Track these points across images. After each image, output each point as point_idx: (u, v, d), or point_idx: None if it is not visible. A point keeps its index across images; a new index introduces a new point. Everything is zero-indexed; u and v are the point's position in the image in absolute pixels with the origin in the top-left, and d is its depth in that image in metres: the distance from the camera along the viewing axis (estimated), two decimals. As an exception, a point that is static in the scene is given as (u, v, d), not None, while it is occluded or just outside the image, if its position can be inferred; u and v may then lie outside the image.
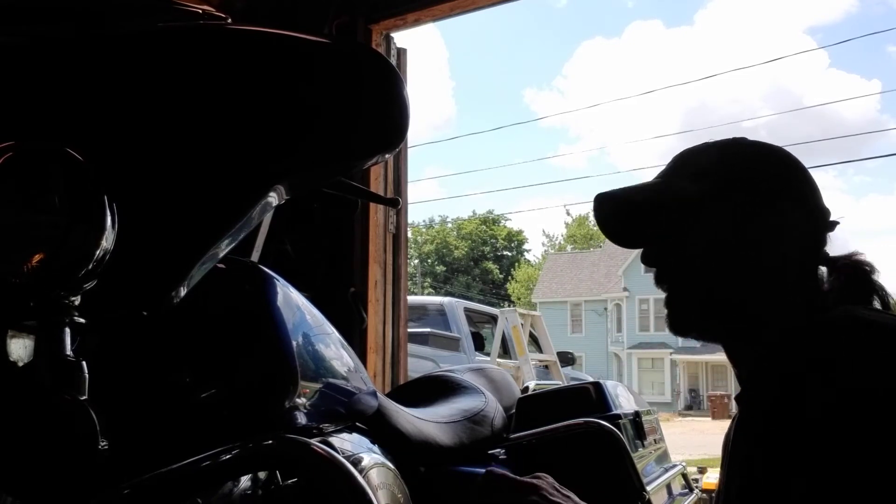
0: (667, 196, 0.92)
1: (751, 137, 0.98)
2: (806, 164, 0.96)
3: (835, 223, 0.92)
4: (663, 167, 0.98)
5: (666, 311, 0.93)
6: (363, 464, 1.08)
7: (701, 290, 0.89)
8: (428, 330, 6.71)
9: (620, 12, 66.27)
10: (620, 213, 0.95)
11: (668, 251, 0.92)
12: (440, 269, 40.78)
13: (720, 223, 0.88)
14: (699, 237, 0.89)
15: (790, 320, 0.86)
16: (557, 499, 0.95)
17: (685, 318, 0.92)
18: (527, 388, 2.37)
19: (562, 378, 7.46)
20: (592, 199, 0.96)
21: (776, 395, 0.79)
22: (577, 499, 0.97)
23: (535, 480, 0.98)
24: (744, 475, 0.83)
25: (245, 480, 0.87)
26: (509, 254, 43.44)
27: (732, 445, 0.90)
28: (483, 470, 1.01)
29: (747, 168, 0.91)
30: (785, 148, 0.96)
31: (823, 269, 0.91)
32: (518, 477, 0.99)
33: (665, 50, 60.77)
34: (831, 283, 0.90)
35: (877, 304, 0.88)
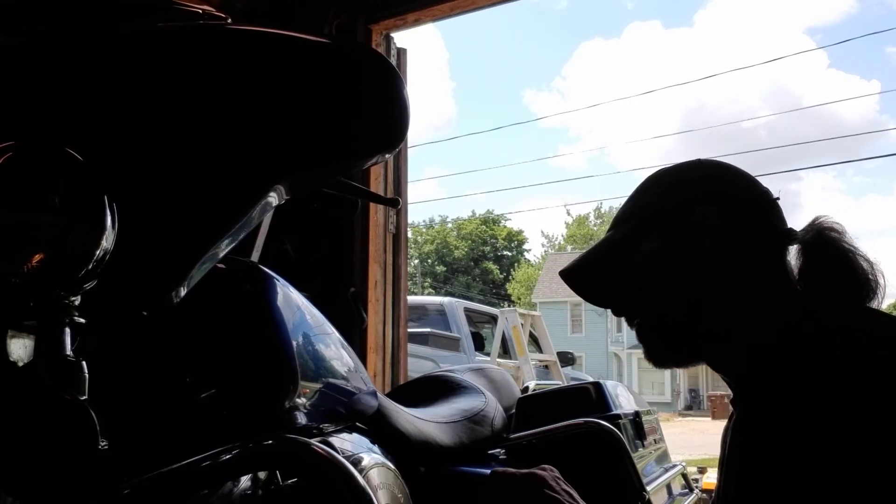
0: (600, 253, 0.99)
1: (717, 157, 1.05)
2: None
3: (775, 200, 0.93)
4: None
5: (643, 346, 0.97)
6: (363, 464, 1.08)
7: (660, 316, 0.93)
8: (428, 330, 6.71)
9: (620, 13, 66.33)
10: (580, 285, 1.00)
11: (624, 298, 0.97)
12: (440, 269, 40.78)
13: (650, 253, 0.92)
14: (638, 274, 0.93)
15: (770, 319, 0.86)
16: (559, 493, 0.95)
17: (659, 350, 0.96)
18: (527, 388, 2.37)
19: (562, 378, 7.46)
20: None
21: (769, 401, 0.79)
22: (577, 497, 0.97)
23: (537, 471, 0.99)
24: (741, 478, 0.84)
25: (245, 480, 0.87)
26: (509, 254, 43.43)
27: (729, 448, 0.91)
28: (484, 470, 1.01)
29: (653, 196, 0.97)
30: (701, 159, 1.00)
31: (795, 248, 0.90)
32: (519, 470, 1.00)
33: (664, 51, 60.82)
34: (803, 262, 0.89)
35: (862, 261, 0.87)
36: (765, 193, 0.93)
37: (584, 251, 1.02)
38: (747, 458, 0.82)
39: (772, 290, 0.88)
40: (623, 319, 0.99)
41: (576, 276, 0.99)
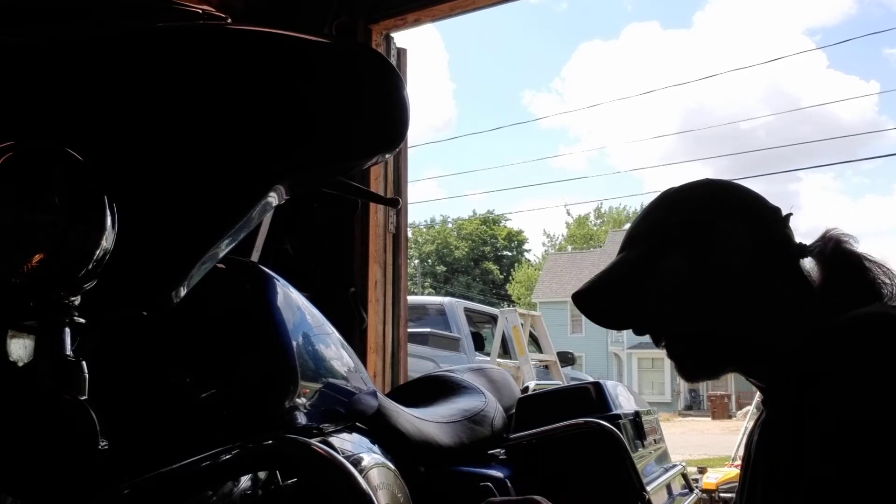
0: (619, 273, 0.97)
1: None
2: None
3: (788, 216, 0.94)
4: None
5: (674, 364, 0.95)
6: (363, 464, 1.08)
7: (690, 333, 0.92)
8: (428, 330, 6.72)
9: (619, 15, 66.37)
10: (597, 307, 0.98)
11: (650, 318, 0.95)
12: (440, 269, 40.78)
13: (676, 271, 0.91)
14: (665, 292, 0.92)
15: (801, 325, 0.86)
16: None
17: (691, 366, 0.94)
18: (527, 388, 2.37)
19: (562, 378, 7.46)
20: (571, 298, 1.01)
21: (808, 397, 0.79)
22: None
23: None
24: (771, 476, 0.83)
25: (245, 480, 0.87)
26: (509, 254, 43.44)
27: (756, 447, 0.90)
28: (483, 470, 1.01)
29: (671, 213, 0.96)
30: (708, 178, 1.01)
31: (808, 261, 0.92)
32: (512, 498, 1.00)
33: (663, 52, 60.83)
34: (824, 273, 0.90)
35: (876, 267, 0.88)
36: (776, 209, 0.95)
37: (597, 274, 1.00)
38: (779, 458, 0.82)
39: (798, 298, 0.89)
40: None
41: (593, 299, 0.97)
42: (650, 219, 0.98)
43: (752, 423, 1.02)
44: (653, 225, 0.97)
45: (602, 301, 0.98)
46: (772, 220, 0.93)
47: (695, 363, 0.94)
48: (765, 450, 0.88)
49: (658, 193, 1.02)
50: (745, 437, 0.98)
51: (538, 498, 0.99)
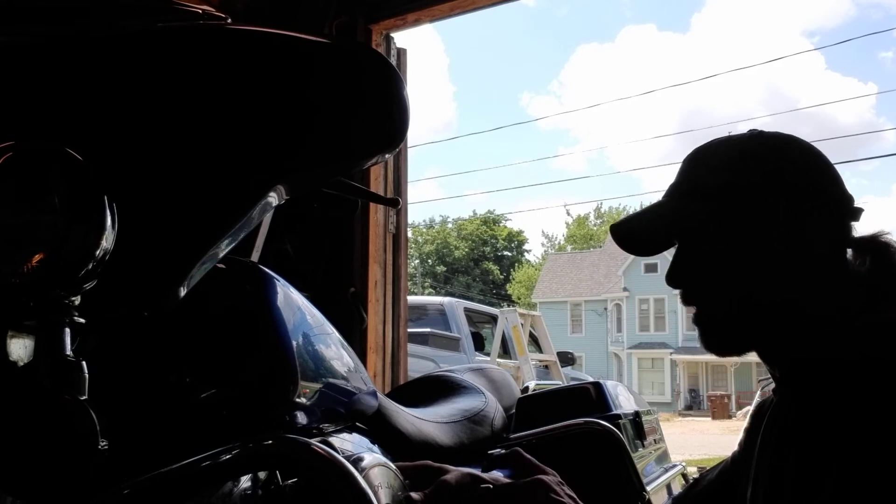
0: (680, 224, 0.92)
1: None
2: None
3: (859, 210, 0.91)
4: (675, 177, 0.98)
5: (699, 329, 0.92)
6: (363, 464, 1.08)
7: (735, 301, 0.89)
8: (428, 330, 6.73)
9: (616, 18, 66.47)
10: (638, 244, 0.97)
11: (691, 271, 0.92)
12: (440, 269, 40.78)
13: (738, 234, 0.88)
14: (723, 252, 0.89)
15: (834, 315, 0.85)
16: (562, 497, 0.94)
17: (722, 333, 0.92)
18: (527, 388, 2.36)
19: (562, 378, 7.46)
20: (610, 230, 0.98)
21: (834, 394, 0.78)
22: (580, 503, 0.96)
23: (541, 477, 0.97)
24: (779, 461, 0.83)
25: (245, 480, 0.87)
26: (509, 254, 43.45)
27: (764, 431, 0.89)
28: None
29: (758, 173, 0.90)
30: (801, 138, 0.94)
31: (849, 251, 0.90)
32: (532, 460, 1.00)
33: (661, 54, 60.90)
34: (858, 266, 0.88)
35: None
36: (848, 198, 0.91)
37: (646, 211, 0.98)
38: (802, 440, 0.81)
39: (843, 285, 0.87)
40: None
41: (631, 235, 0.95)
42: (727, 168, 0.92)
43: (749, 421, 1.02)
44: (732, 178, 0.90)
45: (639, 239, 0.97)
46: (844, 206, 0.90)
47: (722, 333, 0.91)
48: (776, 438, 0.87)
49: (694, 148, 0.98)
50: (749, 421, 0.96)
51: (544, 478, 0.97)
